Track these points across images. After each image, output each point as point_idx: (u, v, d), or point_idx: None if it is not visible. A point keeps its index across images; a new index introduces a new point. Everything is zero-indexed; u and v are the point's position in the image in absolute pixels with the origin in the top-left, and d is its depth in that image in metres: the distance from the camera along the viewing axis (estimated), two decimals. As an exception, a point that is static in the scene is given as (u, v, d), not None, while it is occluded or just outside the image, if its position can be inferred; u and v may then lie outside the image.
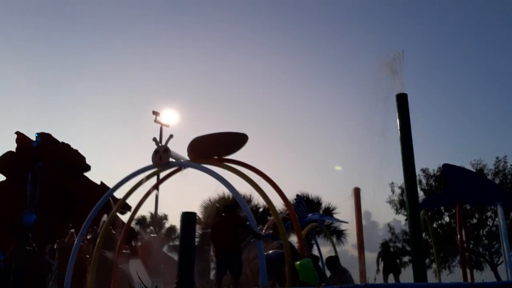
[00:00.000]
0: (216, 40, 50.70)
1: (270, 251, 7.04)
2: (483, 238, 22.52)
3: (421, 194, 22.23)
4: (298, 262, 6.07)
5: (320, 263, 9.33)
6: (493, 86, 41.27)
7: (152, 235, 11.06)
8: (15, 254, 9.17)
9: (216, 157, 7.03)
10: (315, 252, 12.32)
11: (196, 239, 5.49)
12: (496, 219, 18.71)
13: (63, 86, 40.37)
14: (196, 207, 20.03)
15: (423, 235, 9.81)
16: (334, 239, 17.16)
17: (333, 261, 8.74)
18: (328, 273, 8.53)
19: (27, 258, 9.16)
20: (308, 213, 11.48)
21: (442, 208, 21.51)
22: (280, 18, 51.96)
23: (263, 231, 9.47)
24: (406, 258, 22.94)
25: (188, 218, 3.15)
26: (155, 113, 16.64)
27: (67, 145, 16.61)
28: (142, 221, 21.44)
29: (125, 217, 11.17)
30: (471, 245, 17.84)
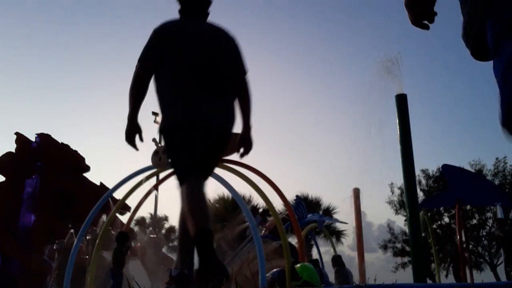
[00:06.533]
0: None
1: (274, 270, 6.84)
2: (483, 238, 22.55)
3: (420, 194, 22.27)
4: (298, 265, 6.06)
5: (320, 264, 9.33)
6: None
7: (152, 235, 11.04)
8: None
9: (215, 158, 7.03)
10: (314, 252, 12.33)
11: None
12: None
13: (61, 86, 40.43)
14: (195, 208, 20.03)
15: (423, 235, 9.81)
16: (334, 240, 17.16)
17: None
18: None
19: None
20: (308, 214, 11.47)
21: (441, 208, 21.55)
22: (278, 17, 52.05)
23: (263, 231, 9.45)
24: (406, 259, 23.02)
25: (187, 218, 3.16)
26: (154, 113, 16.62)
27: (67, 146, 16.63)
28: (141, 221, 21.49)
29: (124, 218, 11.16)
30: (470, 246, 17.84)
